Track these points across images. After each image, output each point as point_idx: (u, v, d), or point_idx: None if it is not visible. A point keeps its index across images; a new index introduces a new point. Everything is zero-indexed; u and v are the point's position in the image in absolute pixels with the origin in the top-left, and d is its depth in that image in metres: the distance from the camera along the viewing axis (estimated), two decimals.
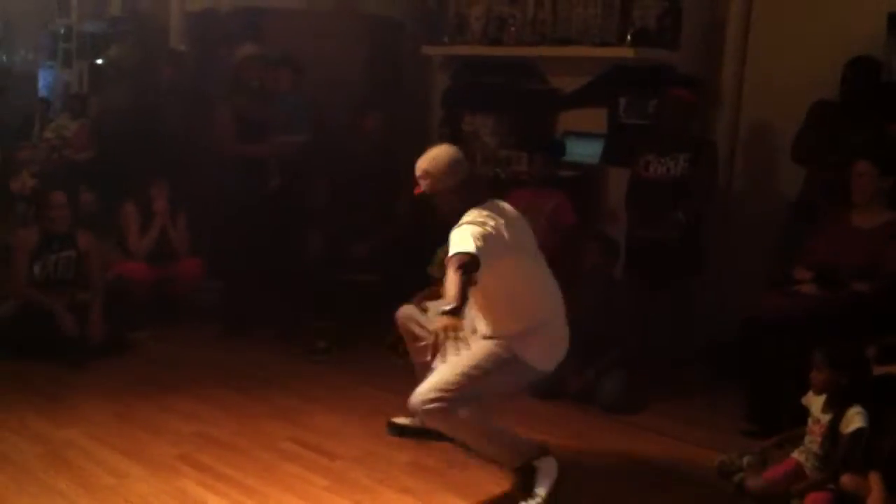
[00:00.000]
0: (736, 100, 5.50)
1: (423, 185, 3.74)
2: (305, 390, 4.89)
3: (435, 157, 3.75)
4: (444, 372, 3.58)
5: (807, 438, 3.83)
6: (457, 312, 3.21)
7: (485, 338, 3.71)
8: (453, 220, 3.59)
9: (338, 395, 4.87)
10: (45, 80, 10.10)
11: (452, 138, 6.36)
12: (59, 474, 3.78)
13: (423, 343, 4.05)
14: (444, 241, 5.41)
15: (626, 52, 5.42)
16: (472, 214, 3.54)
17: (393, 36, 6.70)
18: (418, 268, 5.48)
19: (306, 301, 5.70)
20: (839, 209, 4.54)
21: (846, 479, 3.61)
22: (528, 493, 3.61)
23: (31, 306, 5.26)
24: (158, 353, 5.46)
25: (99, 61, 8.30)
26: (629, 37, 5.35)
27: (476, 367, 3.59)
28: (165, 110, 6.52)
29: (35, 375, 4.94)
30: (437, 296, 4.14)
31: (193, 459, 3.98)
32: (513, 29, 5.98)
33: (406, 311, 4.32)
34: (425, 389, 3.55)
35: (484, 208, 3.61)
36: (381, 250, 5.64)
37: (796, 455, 3.83)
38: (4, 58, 10.55)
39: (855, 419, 3.63)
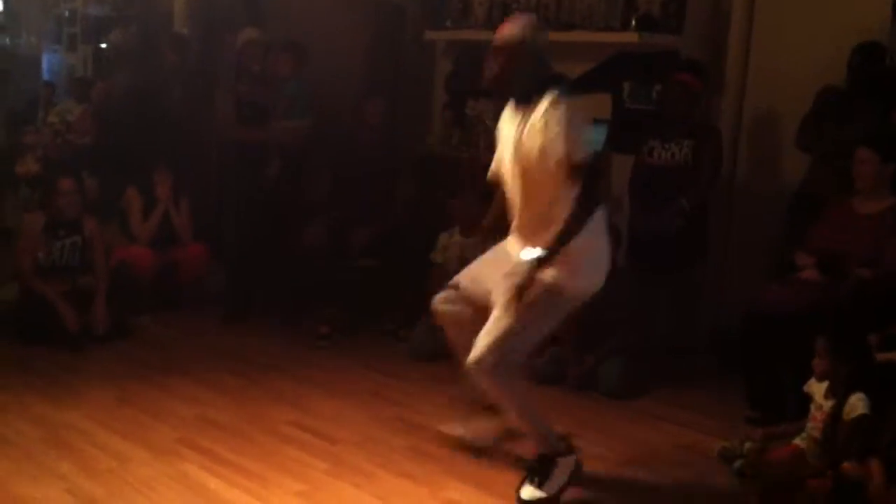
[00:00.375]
0: (740, 86, 5.45)
1: (500, 61, 3.48)
2: (306, 375, 4.90)
3: (514, 22, 3.53)
4: (499, 327, 3.44)
5: (809, 425, 3.83)
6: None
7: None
8: (527, 99, 3.44)
9: (338, 379, 4.87)
10: (49, 64, 10.09)
11: (456, 123, 6.37)
12: (60, 457, 3.79)
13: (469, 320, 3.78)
14: (445, 226, 5.48)
15: (630, 38, 5.39)
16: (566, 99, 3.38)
17: (395, 21, 6.67)
18: (419, 254, 5.48)
19: (308, 287, 5.69)
20: (842, 196, 4.52)
21: (847, 466, 3.60)
22: (538, 481, 3.57)
23: (34, 293, 5.26)
24: (160, 337, 5.48)
25: (102, 45, 8.29)
26: (633, 22, 5.32)
27: (531, 316, 3.43)
28: (168, 95, 6.51)
29: (36, 359, 4.96)
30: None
31: (194, 443, 3.99)
32: (517, 13, 5.94)
33: (442, 298, 3.97)
34: (482, 348, 3.43)
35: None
36: (382, 236, 5.63)
37: (798, 441, 3.83)
38: (8, 41, 10.53)
39: (857, 406, 3.62)
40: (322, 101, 6.07)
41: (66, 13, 9.70)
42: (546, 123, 3.34)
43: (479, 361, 3.43)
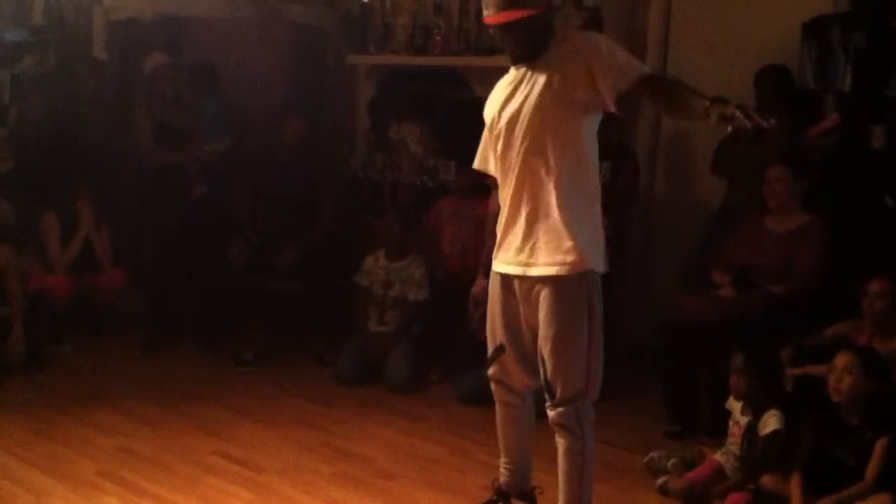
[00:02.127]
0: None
1: (503, 16, 3.08)
2: (231, 402, 4.85)
3: None
4: (567, 364, 3.13)
5: (728, 440, 3.92)
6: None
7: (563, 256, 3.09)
8: (536, 52, 3.11)
9: (264, 406, 4.83)
10: None
11: (379, 147, 6.39)
12: None
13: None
14: (369, 249, 5.48)
15: None
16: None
17: (316, 44, 6.67)
18: (343, 276, 5.47)
19: (231, 311, 5.64)
20: (755, 214, 4.64)
21: (766, 480, 3.69)
22: None
23: None
24: (80, 366, 5.37)
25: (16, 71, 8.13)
26: None
27: (589, 334, 3.14)
28: (87, 120, 6.42)
29: None
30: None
31: (115, 475, 3.92)
32: (438, 38, 6.00)
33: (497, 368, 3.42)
34: (566, 395, 3.15)
35: None
36: (305, 258, 5.61)
37: (718, 456, 3.91)
38: None
39: (770, 422, 3.72)
40: (243, 123, 6.04)
41: None
42: (575, 48, 3.05)
43: (565, 411, 3.15)
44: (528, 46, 3.12)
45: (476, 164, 3.38)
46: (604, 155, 5.09)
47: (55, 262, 5.74)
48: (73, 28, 7.42)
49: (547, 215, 3.09)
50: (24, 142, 6.54)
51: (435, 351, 5.33)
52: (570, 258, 3.07)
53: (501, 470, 3.51)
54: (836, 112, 4.78)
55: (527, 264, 3.15)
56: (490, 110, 3.27)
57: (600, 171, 5.02)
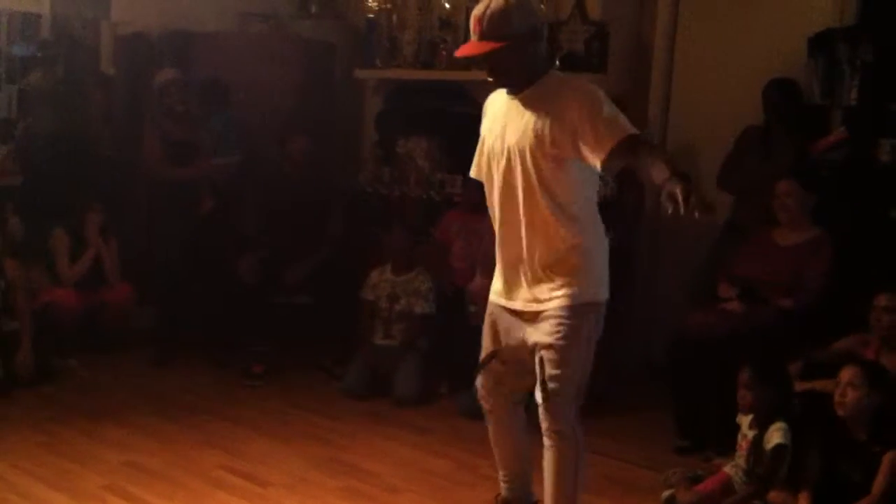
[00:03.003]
0: (663, 122, 5.60)
1: (482, 42, 2.98)
2: (238, 416, 4.85)
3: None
4: (560, 385, 3.15)
5: (736, 454, 3.90)
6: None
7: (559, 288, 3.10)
8: (521, 84, 3.05)
9: (270, 420, 4.83)
10: None
11: (386, 161, 6.40)
12: None
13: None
14: (375, 264, 5.49)
15: None
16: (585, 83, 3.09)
17: (325, 59, 6.70)
18: (351, 291, 5.48)
19: (240, 326, 5.65)
20: (763, 227, 4.64)
21: (774, 496, 3.67)
22: None
23: None
24: (87, 381, 5.36)
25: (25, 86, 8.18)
26: (557, 61, 5.43)
27: (584, 358, 3.17)
28: (95, 135, 6.45)
29: None
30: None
31: (122, 489, 3.91)
32: (444, 53, 6.02)
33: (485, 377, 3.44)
34: (558, 413, 3.18)
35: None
36: (313, 273, 5.62)
37: (728, 469, 3.89)
38: None
39: (775, 435, 3.70)
40: (252, 139, 6.06)
41: None
42: (563, 104, 2.98)
43: (562, 427, 3.18)
44: (510, 78, 3.07)
45: (472, 173, 3.36)
46: None
47: (64, 277, 5.76)
48: (80, 43, 7.46)
49: (542, 253, 3.10)
50: (33, 156, 6.57)
51: (442, 365, 5.33)
52: (568, 292, 3.09)
53: (501, 484, 3.52)
54: (842, 126, 4.78)
55: (526, 300, 3.18)
56: (486, 127, 3.24)
57: (606, 185, 5.12)
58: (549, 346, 3.12)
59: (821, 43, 4.86)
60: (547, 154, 3.01)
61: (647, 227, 5.51)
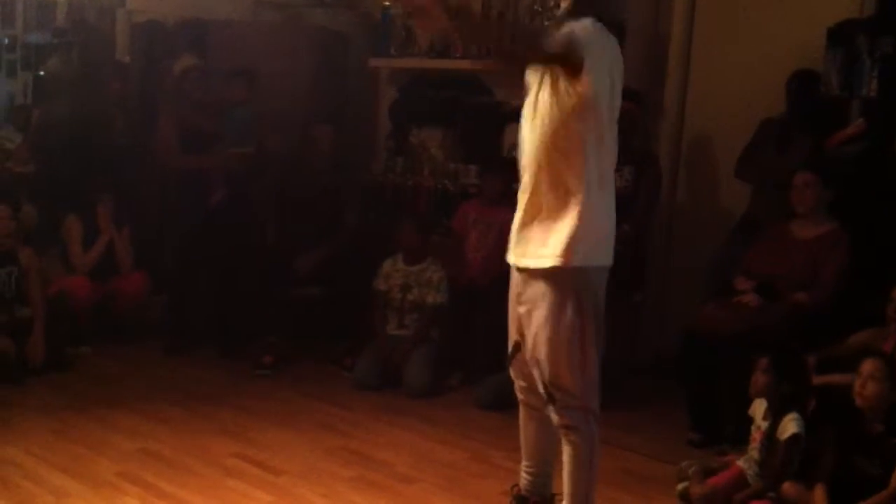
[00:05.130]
0: (679, 113, 5.56)
1: None
2: (249, 406, 4.85)
3: None
4: (562, 368, 3.10)
5: (749, 446, 3.88)
6: None
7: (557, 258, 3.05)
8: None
9: (282, 410, 4.82)
10: None
11: (400, 151, 6.39)
12: None
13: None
14: (388, 254, 5.48)
15: None
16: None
17: (339, 48, 6.68)
18: (363, 282, 5.47)
19: (251, 316, 5.65)
20: (780, 221, 4.61)
21: (787, 488, 3.65)
22: None
23: None
24: (100, 369, 5.37)
25: (42, 73, 8.20)
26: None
27: (585, 336, 3.11)
28: (110, 122, 6.45)
29: None
30: None
31: (135, 477, 3.91)
32: (460, 42, 5.99)
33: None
34: (568, 399, 3.14)
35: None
36: (327, 264, 5.61)
37: (741, 462, 3.87)
38: None
39: (790, 426, 3.68)
40: (266, 127, 6.05)
41: (6, 40, 9.56)
42: None
43: (570, 413, 3.14)
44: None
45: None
46: (627, 160, 5.14)
47: (77, 265, 5.76)
48: (95, 31, 7.47)
49: (541, 209, 3.09)
50: (47, 144, 6.59)
51: (454, 356, 5.32)
52: (555, 253, 3.04)
53: (522, 474, 3.48)
54: (861, 118, 4.74)
55: (520, 255, 3.17)
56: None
57: (622, 176, 5.10)
58: (541, 342, 3.10)
59: (840, 34, 4.80)
60: (552, 97, 3.03)
61: (661, 220, 5.48)
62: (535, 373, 3.18)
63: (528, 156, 3.14)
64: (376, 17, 6.51)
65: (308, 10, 6.74)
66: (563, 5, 3.16)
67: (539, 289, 3.11)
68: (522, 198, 3.18)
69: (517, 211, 3.21)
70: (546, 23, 3.20)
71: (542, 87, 3.09)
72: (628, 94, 5.23)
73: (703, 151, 5.54)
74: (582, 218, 3.03)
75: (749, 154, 4.96)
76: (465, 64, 5.98)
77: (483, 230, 5.44)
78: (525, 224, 3.16)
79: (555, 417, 3.18)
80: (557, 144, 3.04)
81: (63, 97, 6.61)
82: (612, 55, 3.06)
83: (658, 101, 5.55)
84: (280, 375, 5.37)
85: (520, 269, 3.21)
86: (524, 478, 3.47)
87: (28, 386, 4.99)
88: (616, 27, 5.30)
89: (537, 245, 3.10)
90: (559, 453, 3.29)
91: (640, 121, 5.24)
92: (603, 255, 3.12)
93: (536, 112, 3.11)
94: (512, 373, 3.39)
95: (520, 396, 3.42)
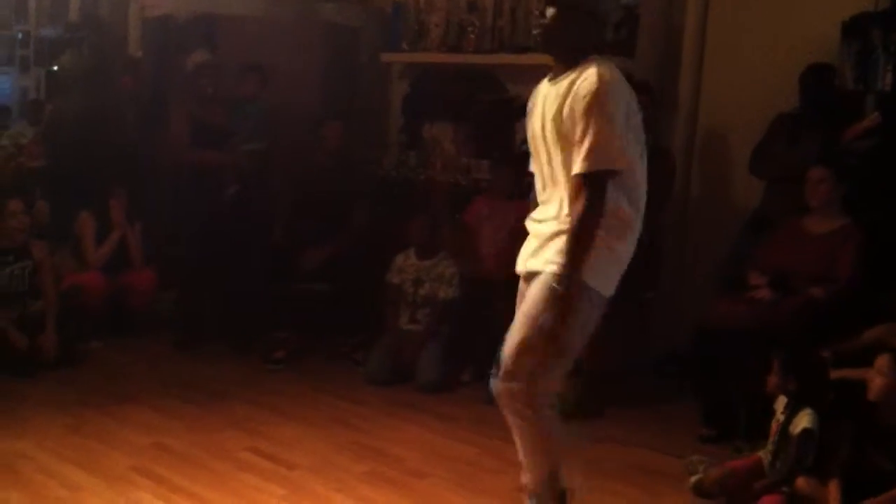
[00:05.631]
0: (693, 108, 5.53)
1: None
2: (261, 400, 4.85)
3: None
4: (523, 343, 3.08)
5: (769, 439, 3.86)
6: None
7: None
8: (568, 60, 3.08)
9: (294, 404, 4.83)
10: (1, 87, 9.96)
11: (412, 145, 6.38)
12: (10, 487, 3.70)
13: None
14: (399, 249, 5.47)
15: None
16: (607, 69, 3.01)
17: (350, 43, 6.68)
18: (373, 277, 5.46)
19: (262, 310, 5.65)
20: (793, 216, 4.59)
21: (801, 482, 3.63)
22: None
23: None
24: (111, 363, 5.39)
25: (54, 68, 8.23)
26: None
27: (559, 326, 3.03)
28: (122, 118, 6.46)
29: None
30: None
31: (148, 471, 3.92)
32: (472, 37, 5.99)
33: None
34: (510, 366, 3.10)
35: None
36: (337, 259, 5.61)
37: (761, 454, 3.85)
38: None
39: (803, 420, 3.67)
40: (276, 124, 6.05)
41: (19, 35, 9.59)
42: (577, 98, 2.97)
43: (507, 383, 3.12)
44: (555, 45, 3.12)
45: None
46: None
47: (89, 260, 5.78)
48: (108, 26, 7.48)
49: (555, 233, 3.10)
50: (60, 139, 6.60)
51: (467, 351, 5.31)
52: (560, 259, 3.04)
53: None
54: (876, 112, 4.71)
55: (529, 259, 3.20)
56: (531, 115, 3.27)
57: None
58: (518, 316, 3.13)
59: (855, 27, 4.78)
60: (558, 134, 3.05)
61: (673, 215, 5.45)
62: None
63: (543, 179, 3.17)
64: (387, 12, 6.50)
65: (319, 5, 6.74)
66: (549, 12, 3.13)
67: (536, 283, 3.11)
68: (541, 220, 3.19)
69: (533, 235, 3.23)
70: (534, 31, 3.18)
71: (545, 120, 3.10)
72: (640, 88, 5.26)
73: (716, 146, 5.51)
74: (604, 247, 3.05)
75: (763, 149, 4.94)
76: (477, 59, 5.97)
77: (496, 225, 5.43)
78: (535, 241, 3.19)
79: (495, 387, 3.15)
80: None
81: (76, 92, 6.62)
82: (623, 110, 3.02)
83: (672, 94, 5.52)
84: (291, 370, 5.37)
85: (527, 276, 3.21)
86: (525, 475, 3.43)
87: (40, 380, 5.01)
88: (630, 20, 5.35)
89: (544, 253, 3.12)
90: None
91: (650, 116, 5.21)
92: (603, 283, 3.11)
93: (542, 141, 3.13)
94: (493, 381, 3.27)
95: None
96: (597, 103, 2.94)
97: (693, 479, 3.88)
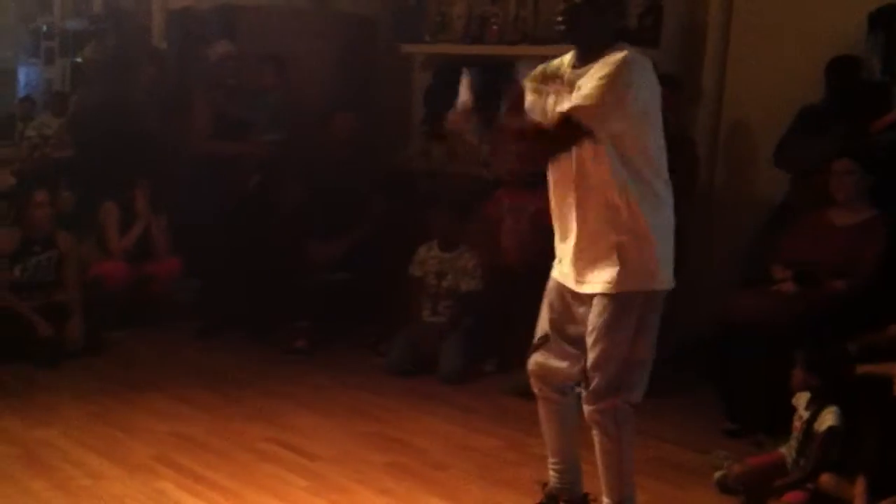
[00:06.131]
0: (717, 98, 5.49)
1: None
2: (283, 390, 4.87)
3: None
4: (608, 361, 3.06)
5: (792, 435, 3.83)
6: None
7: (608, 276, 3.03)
8: (592, 48, 3.00)
9: (315, 394, 4.84)
10: (27, 78, 10.04)
11: (434, 137, 6.36)
12: (34, 475, 3.74)
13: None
14: (421, 241, 5.46)
15: None
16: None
17: (367, 34, 6.67)
18: (395, 267, 5.46)
19: (283, 300, 5.66)
20: (818, 208, 4.55)
21: (825, 479, 3.61)
22: None
23: (8, 309, 5.21)
24: (135, 352, 5.43)
25: (78, 59, 8.29)
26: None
27: (634, 343, 3.06)
28: (145, 109, 6.49)
29: (9, 376, 4.90)
30: None
31: (170, 460, 3.95)
32: (495, 27, 5.97)
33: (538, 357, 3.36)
34: (600, 388, 3.09)
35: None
36: (355, 249, 5.62)
37: (784, 450, 3.83)
38: None
39: (828, 418, 3.64)
40: (296, 114, 6.06)
41: (44, 27, 9.66)
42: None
43: (600, 405, 3.11)
44: (576, 35, 3.06)
45: None
46: None
47: (114, 250, 5.81)
48: (131, 17, 7.52)
49: (592, 233, 3.06)
50: (84, 130, 6.64)
51: (489, 343, 5.30)
52: (614, 279, 3.01)
53: (550, 472, 3.44)
54: None
55: (577, 281, 3.12)
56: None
57: None
58: (592, 334, 3.07)
59: (881, 18, 4.73)
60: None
61: (697, 207, 5.41)
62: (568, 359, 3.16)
63: (568, 179, 3.09)
64: (410, 2, 6.48)
65: None
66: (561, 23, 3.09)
67: (598, 302, 3.07)
68: (564, 219, 3.16)
69: (559, 228, 3.20)
70: (556, 26, 3.15)
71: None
72: (663, 80, 5.22)
73: (741, 137, 5.47)
74: (646, 239, 3.04)
75: (787, 141, 4.89)
76: (500, 49, 5.94)
77: (516, 217, 5.41)
78: (574, 249, 3.12)
79: (586, 410, 3.15)
80: (601, 168, 3.00)
81: (100, 83, 6.66)
82: (644, 95, 2.98)
83: (696, 85, 5.48)
84: (311, 360, 5.39)
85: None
86: (552, 476, 3.43)
87: (65, 368, 5.05)
88: (655, 10, 5.30)
89: (594, 273, 3.07)
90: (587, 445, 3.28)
91: (672, 107, 5.18)
92: (666, 277, 3.12)
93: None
94: (531, 363, 3.33)
95: (536, 390, 3.37)
96: (615, 70, 2.89)
97: (717, 474, 3.86)
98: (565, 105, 2.97)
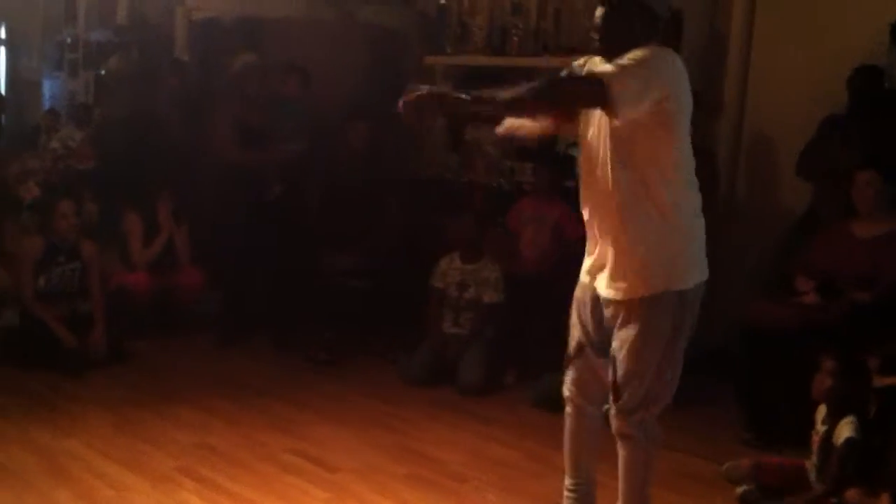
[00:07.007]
0: (738, 110, 5.48)
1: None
2: (305, 401, 4.88)
3: None
4: (639, 373, 3.04)
5: (812, 451, 3.81)
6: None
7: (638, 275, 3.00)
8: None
9: (337, 405, 4.85)
10: (51, 90, 10.12)
11: (454, 148, 6.38)
12: (58, 486, 3.77)
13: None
14: (441, 251, 5.47)
15: None
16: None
17: (392, 45, 6.69)
18: (412, 278, 5.47)
19: (303, 309, 5.68)
20: (840, 218, 4.53)
21: (851, 494, 3.58)
22: None
23: (34, 318, 5.27)
24: (158, 362, 5.46)
25: (101, 71, 8.34)
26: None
27: (665, 349, 3.05)
28: (169, 120, 6.54)
29: (35, 385, 4.94)
30: None
31: (193, 471, 3.96)
32: (516, 39, 5.98)
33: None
34: (633, 402, 3.07)
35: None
36: (371, 259, 5.63)
37: (806, 463, 3.81)
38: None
39: (845, 429, 3.61)
40: (319, 126, 6.09)
41: (68, 39, 9.73)
42: None
43: (632, 414, 3.08)
44: (607, 43, 3.01)
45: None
46: None
47: (137, 260, 5.85)
48: (155, 29, 7.57)
49: (615, 237, 3.02)
50: (108, 142, 6.69)
51: (509, 354, 5.30)
52: (637, 283, 2.99)
53: (565, 493, 3.39)
54: None
55: (606, 287, 3.08)
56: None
57: None
58: (622, 347, 3.04)
59: None
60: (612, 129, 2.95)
61: (719, 218, 5.39)
62: (606, 369, 3.12)
63: (596, 184, 3.05)
64: (431, 14, 6.51)
65: (362, 7, 6.76)
66: (598, 13, 3.05)
67: (626, 309, 3.04)
68: (590, 223, 3.12)
69: (588, 232, 3.16)
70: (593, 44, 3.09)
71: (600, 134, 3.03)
72: None
73: (762, 149, 5.46)
74: (671, 240, 3.00)
75: (810, 151, 4.88)
76: (521, 61, 5.95)
77: (537, 227, 5.42)
78: (599, 253, 3.11)
79: (615, 423, 3.13)
80: (626, 169, 2.97)
81: (123, 96, 6.71)
82: (667, 76, 2.93)
83: (717, 97, 5.47)
84: (333, 370, 5.40)
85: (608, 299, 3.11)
86: (567, 496, 3.38)
87: (89, 378, 5.08)
88: (675, 22, 5.29)
89: (616, 278, 3.04)
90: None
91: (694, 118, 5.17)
92: (694, 273, 3.07)
93: (600, 141, 3.03)
94: (568, 374, 3.30)
95: (569, 403, 3.32)
96: (642, 55, 2.85)
97: (740, 489, 3.84)
98: (597, 69, 2.94)
